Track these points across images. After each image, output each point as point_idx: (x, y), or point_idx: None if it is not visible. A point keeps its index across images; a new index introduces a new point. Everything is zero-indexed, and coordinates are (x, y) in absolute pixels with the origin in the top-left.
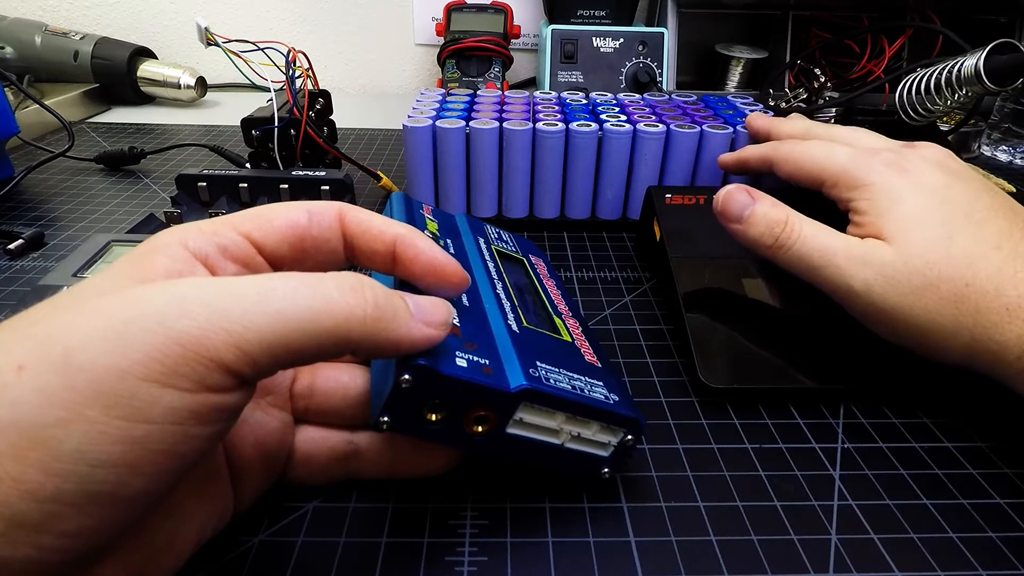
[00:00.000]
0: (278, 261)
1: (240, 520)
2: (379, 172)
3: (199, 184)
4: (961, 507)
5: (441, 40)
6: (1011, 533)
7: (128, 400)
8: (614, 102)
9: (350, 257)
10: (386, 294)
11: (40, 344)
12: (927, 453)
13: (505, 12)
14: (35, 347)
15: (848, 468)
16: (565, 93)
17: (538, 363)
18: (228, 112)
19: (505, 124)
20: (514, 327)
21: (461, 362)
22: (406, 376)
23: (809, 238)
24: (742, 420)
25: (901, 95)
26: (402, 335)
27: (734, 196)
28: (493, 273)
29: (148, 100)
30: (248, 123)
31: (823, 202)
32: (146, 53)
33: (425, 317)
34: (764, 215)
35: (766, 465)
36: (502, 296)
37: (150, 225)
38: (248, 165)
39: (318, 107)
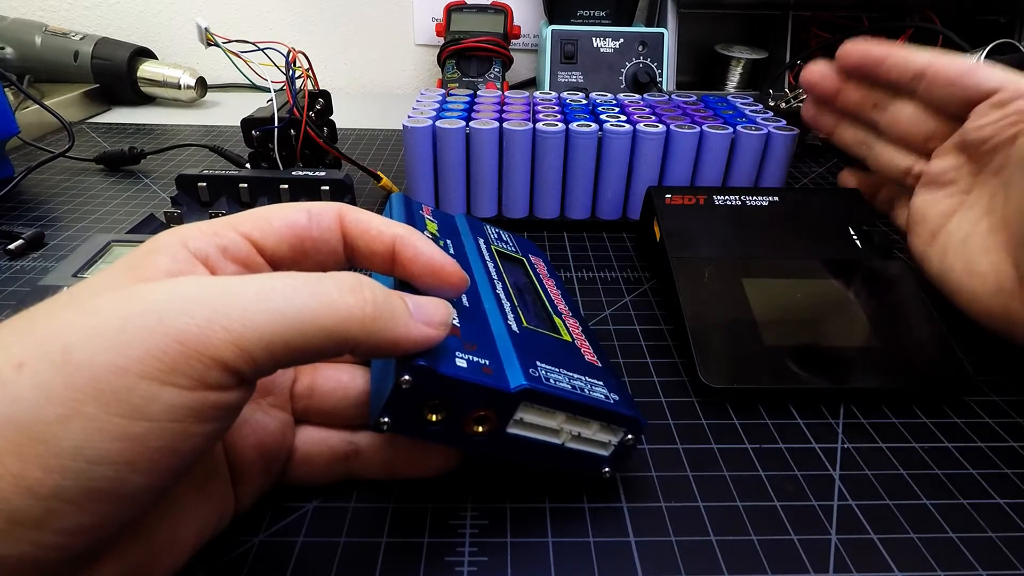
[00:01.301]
0: (278, 262)
1: (240, 520)
2: (379, 172)
3: (199, 184)
4: (961, 507)
5: (441, 40)
6: (1011, 533)
7: (127, 397)
8: (614, 102)
9: (350, 258)
10: (385, 294)
11: (39, 342)
12: (927, 453)
13: (505, 12)
14: (34, 345)
15: (848, 468)
16: (565, 93)
17: (538, 363)
18: (228, 112)
19: (505, 124)
20: (514, 327)
21: (461, 362)
22: (406, 377)
23: None
24: (742, 420)
25: None
26: (401, 334)
27: None
28: (493, 273)
29: (148, 100)
30: (248, 123)
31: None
32: (146, 53)
33: (424, 317)
34: None
35: (766, 465)
36: (502, 296)
37: (150, 225)
38: (248, 165)
39: (318, 107)
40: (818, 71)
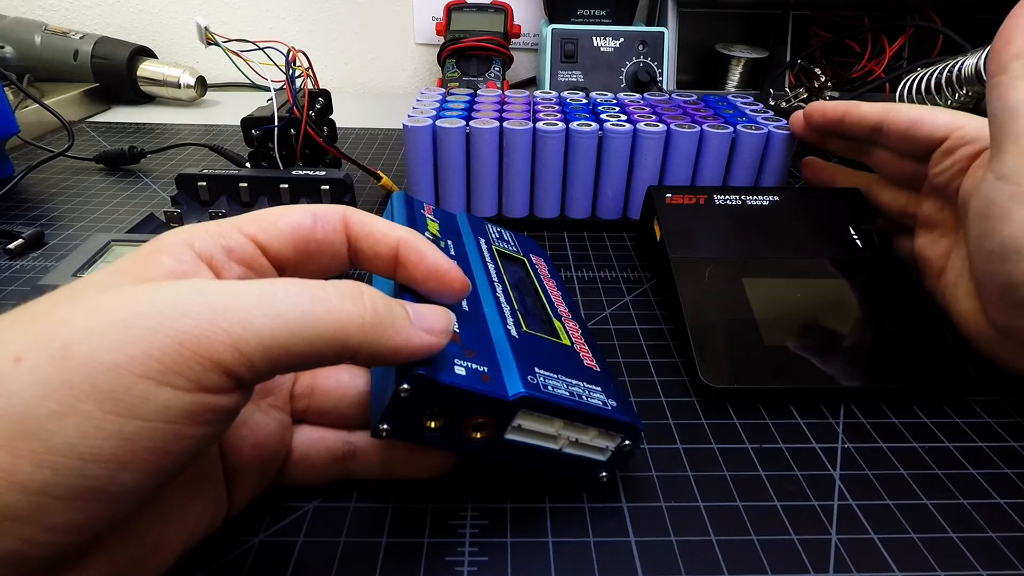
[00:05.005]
0: (282, 264)
1: (240, 520)
2: (379, 172)
3: (199, 184)
4: (961, 507)
5: (441, 39)
6: (1011, 533)
7: (123, 396)
8: (614, 102)
9: (353, 260)
10: (386, 302)
11: (38, 337)
12: (927, 453)
13: (505, 12)
14: (33, 340)
15: (848, 468)
16: (565, 93)
17: (536, 369)
18: (228, 112)
19: (505, 124)
20: (513, 332)
21: (460, 370)
22: (405, 385)
23: None
24: (742, 420)
25: (901, 95)
26: (401, 342)
27: None
28: (493, 275)
29: (148, 100)
30: (248, 123)
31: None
32: (146, 52)
33: (425, 325)
34: None
35: (766, 465)
36: (502, 300)
37: (150, 225)
38: (248, 165)
39: (318, 107)
40: (799, 125)
